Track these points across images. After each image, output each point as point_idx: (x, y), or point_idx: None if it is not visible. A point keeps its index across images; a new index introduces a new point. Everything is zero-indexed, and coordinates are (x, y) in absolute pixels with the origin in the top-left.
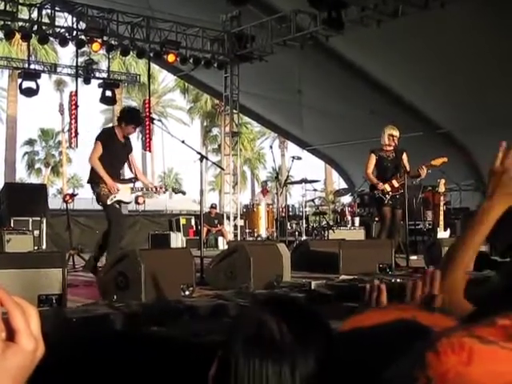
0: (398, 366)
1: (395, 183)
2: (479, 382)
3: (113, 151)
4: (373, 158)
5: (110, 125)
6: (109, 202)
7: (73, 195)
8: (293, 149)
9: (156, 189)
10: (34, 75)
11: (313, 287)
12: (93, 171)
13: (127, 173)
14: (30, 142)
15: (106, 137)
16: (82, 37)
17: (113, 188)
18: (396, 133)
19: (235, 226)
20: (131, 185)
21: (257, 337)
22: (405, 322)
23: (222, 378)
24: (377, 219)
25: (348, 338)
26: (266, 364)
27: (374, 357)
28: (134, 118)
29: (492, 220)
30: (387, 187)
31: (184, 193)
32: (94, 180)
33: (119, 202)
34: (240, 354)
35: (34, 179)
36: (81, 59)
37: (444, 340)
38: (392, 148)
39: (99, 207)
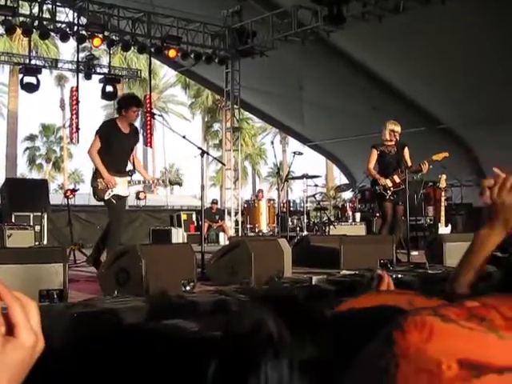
0: (369, 346)
1: (396, 178)
2: (436, 358)
3: (114, 144)
4: (374, 154)
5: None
6: (106, 197)
7: (74, 190)
8: (294, 144)
9: (154, 182)
10: (34, 70)
11: (314, 282)
12: (95, 166)
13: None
14: (31, 138)
15: (106, 130)
16: (83, 32)
17: (110, 182)
18: (397, 128)
19: (236, 222)
20: (129, 178)
21: (253, 335)
22: (388, 307)
23: (221, 375)
24: (378, 215)
25: (339, 317)
26: (265, 362)
27: (353, 338)
28: (132, 99)
29: (488, 249)
30: (389, 182)
31: (180, 184)
32: (93, 174)
33: (117, 196)
34: (237, 352)
35: (35, 174)
36: (82, 54)
37: (410, 318)
38: (393, 143)
39: (100, 203)
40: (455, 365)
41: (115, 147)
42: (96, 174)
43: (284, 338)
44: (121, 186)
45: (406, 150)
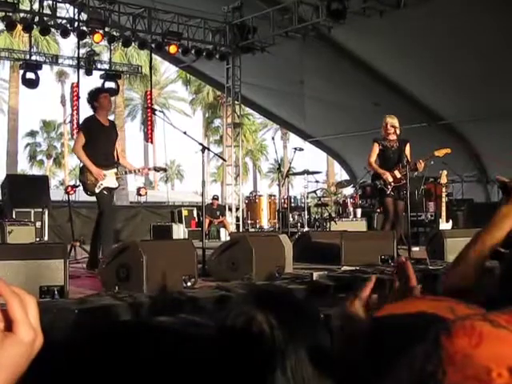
0: (415, 349)
1: (397, 174)
2: (485, 365)
3: (98, 137)
4: (376, 147)
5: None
6: (97, 190)
7: (75, 186)
8: (295, 140)
9: (139, 170)
10: (35, 66)
11: (314, 278)
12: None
13: None
14: (32, 134)
15: (87, 125)
16: (84, 28)
17: (99, 175)
18: (394, 121)
19: (237, 218)
20: (115, 170)
21: (245, 331)
22: (427, 315)
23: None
24: (379, 210)
25: (379, 322)
26: (257, 358)
27: (395, 343)
28: (96, 89)
29: (509, 226)
30: (389, 177)
31: (165, 170)
32: (80, 170)
33: (107, 188)
34: (229, 348)
35: (35, 171)
36: (82, 50)
37: (459, 322)
38: (395, 138)
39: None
40: (506, 372)
41: (99, 140)
42: (83, 169)
43: (276, 334)
44: (109, 178)
45: (408, 147)
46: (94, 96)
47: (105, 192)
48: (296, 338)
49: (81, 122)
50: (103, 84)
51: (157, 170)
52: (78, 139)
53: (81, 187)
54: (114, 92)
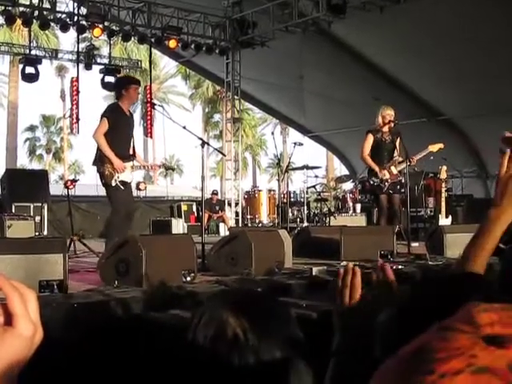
0: None
1: (393, 170)
2: None
3: (121, 127)
4: (370, 139)
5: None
6: (113, 184)
7: (74, 181)
8: (294, 135)
9: (150, 167)
10: (35, 61)
11: (314, 273)
12: (98, 150)
13: None
14: (32, 128)
15: (113, 113)
16: (83, 22)
17: (120, 167)
18: (390, 112)
19: (236, 213)
20: (131, 163)
21: (219, 336)
22: None
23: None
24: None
25: None
26: (233, 360)
27: None
28: (130, 77)
29: (500, 229)
30: (386, 174)
31: (173, 169)
32: (99, 159)
33: (123, 182)
34: (205, 352)
35: (35, 165)
36: (82, 45)
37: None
38: (388, 130)
39: (101, 193)
40: None
41: (121, 131)
42: (102, 159)
43: (249, 338)
44: (126, 171)
45: (399, 140)
46: (124, 84)
47: (121, 186)
48: (269, 338)
49: (106, 108)
50: (103, 78)
51: (166, 168)
52: (101, 125)
53: (80, 181)
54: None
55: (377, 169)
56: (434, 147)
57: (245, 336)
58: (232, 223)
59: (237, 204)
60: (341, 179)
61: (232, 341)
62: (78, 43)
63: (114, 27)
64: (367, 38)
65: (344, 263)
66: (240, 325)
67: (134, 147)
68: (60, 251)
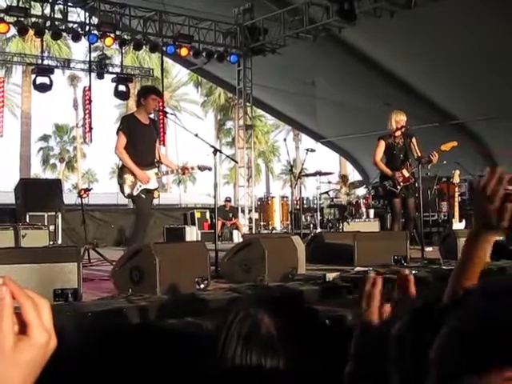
0: None
1: (405, 172)
2: None
3: (138, 137)
4: (382, 145)
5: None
6: (135, 193)
7: (88, 190)
8: (307, 141)
9: (183, 170)
10: (47, 71)
11: (327, 279)
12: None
13: None
14: (45, 138)
15: (127, 124)
16: (95, 32)
17: (144, 179)
18: (403, 117)
19: (250, 219)
20: (156, 170)
21: (252, 335)
22: None
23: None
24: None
25: None
26: (265, 360)
27: None
28: (150, 87)
29: (483, 255)
30: (400, 177)
31: (210, 169)
32: (119, 171)
33: (146, 190)
34: (237, 351)
35: (48, 174)
36: (94, 54)
37: None
38: (400, 134)
39: (114, 202)
40: None
41: (139, 140)
42: (122, 171)
43: (283, 338)
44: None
45: (414, 141)
46: (144, 94)
47: (142, 195)
48: (301, 343)
49: (120, 121)
50: (116, 87)
51: (201, 169)
52: (119, 140)
53: (93, 190)
54: (126, 96)
55: (389, 173)
56: (447, 146)
57: (278, 336)
58: (245, 230)
59: (250, 211)
60: (354, 185)
61: (265, 340)
62: (90, 52)
63: (125, 36)
64: (378, 43)
65: (357, 269)
66: (274, 325)
67: (159, 153)
68: (74, 260)
